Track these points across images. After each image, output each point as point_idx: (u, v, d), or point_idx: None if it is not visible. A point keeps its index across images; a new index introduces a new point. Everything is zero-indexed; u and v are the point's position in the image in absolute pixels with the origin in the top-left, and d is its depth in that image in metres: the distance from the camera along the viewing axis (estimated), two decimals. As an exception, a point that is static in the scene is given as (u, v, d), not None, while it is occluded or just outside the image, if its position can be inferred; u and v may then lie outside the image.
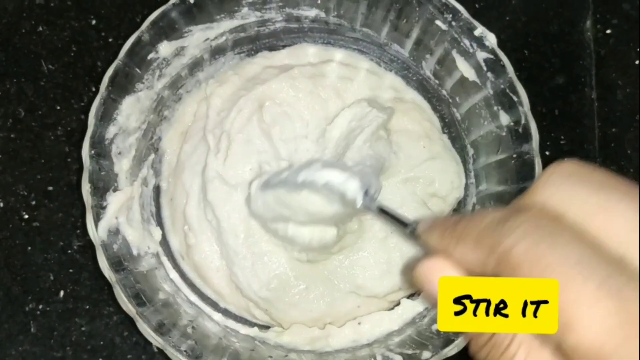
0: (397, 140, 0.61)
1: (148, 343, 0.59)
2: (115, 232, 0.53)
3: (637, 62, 0.68)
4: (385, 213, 0.46)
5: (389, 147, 0.60)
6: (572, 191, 0.30)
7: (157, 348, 0.58)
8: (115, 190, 0.54)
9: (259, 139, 0.59)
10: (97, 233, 0.51)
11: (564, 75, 0.68)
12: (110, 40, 0.66)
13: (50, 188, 0.62)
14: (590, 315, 0.26)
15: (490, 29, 0.57)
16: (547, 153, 0.66)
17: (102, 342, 0.60)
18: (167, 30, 0.56)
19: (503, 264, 0.29)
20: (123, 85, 0.55)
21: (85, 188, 0.51)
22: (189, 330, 0.53)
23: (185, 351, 0.50)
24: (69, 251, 0.61)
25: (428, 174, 0.60)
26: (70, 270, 0.61)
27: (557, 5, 0.69)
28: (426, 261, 0.33)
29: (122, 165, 0.55)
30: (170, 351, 0.50)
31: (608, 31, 0.69)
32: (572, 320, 0.27)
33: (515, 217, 0.30)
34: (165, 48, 0.57)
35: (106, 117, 0.53)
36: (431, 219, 0.37)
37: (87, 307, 0.60)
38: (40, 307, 0.60)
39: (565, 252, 0.28)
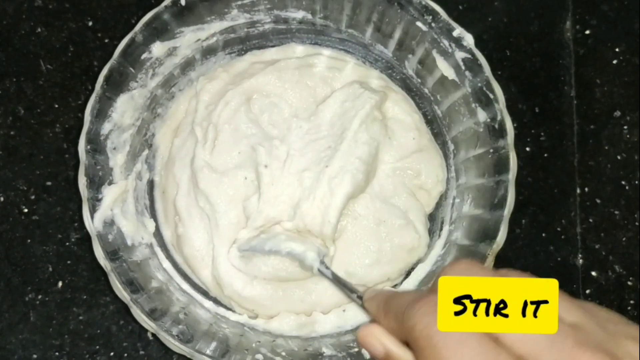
0: (391, 126, 0.63)
1: (143, 331, 0.61)
2: (110, 224, 0.55)
3: (615, 61, 0.70)
4: (337, 280, 0.53)
5: (384, 130, 0.61)
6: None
7: (152, 335, 0.60)
8: (110, 183, 0.56)
9: (247, 125, 0.61)
10: (93, 224, 0.53)
11: (544, 74, 0.69)
12: (106, 40, 0.67)
13: (49, 183, 0.64)
14: None
15: (473, 30, 0.59)
16: (527, 149, 0.67)
17: (99, 331, 0.61)
18: (159, 31, 0.58)
19: (409, 336, 0.35)
20: (118, 84, 0.57)
21: (82, 181, 0.53)
22: (181, 316, 0.55)
23: (177, 335, 0.52)
24: (67, 243, 0.63)
25: (415, 165, 0.62)
26: (68, 262, 0.62)
27: (537, 6, 0.71)
28: (365, 326, 0.40)
29: (117, 160, 0.57)
30: (162, 335, 0.52)
31: (587, 31, 0.71)
32: None
33: (420, 302, 0.35)
34: (158, 48, 0.58)
35: (101, 114, 0.55)
36: (374, 291, 0.44)
37: (85, 297, 0.62)
38: (40, 297, 0.62)
39: (449, 335, 0.32)
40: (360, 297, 0.47)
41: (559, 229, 0.67)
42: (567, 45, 0.70)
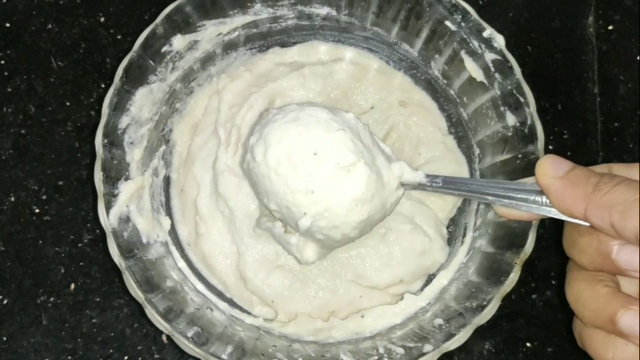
0: (398, 147, 0.62)
1: (158, 334, 0.60)
2: (125, 220, 0.54)
3: (638, 57, 0.69)
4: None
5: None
6: None
7: (167, 338, 0.59)
8: (126, 179, 0.55)
9: None
10: (108, 220, 0.52)
11: (567, 70, 0.69)
12: (118, 37, 0.66)
13: (61, 182, 0.63)
14: None
15: (494, 26, 0.57)
16: (550, 147, 0.66)
17: (112, 334, 0.60)
18: (181, 24, 0.57)
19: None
20: (137, 77, 0.55)
21: (98, 176, 0.52)
22: (196, 317, 0.54)
23: (191, 337, 0.51)
24: (80, 244, 0.62)
25: None
26: (81, 264, 0.61)
27: (559, 1, 0.70)
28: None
29: (133, 155, 0.56)
30: (177, 337, 0.50)
31: (610, 27, 0.70)
32: None
33: None
34: (178, 41, 0.57)
35: (119, 107, 0.54)
36: (558, 160, 0.43)
37: (98, 299, 0.61)
38: (52, 299, 0.61)
39: None
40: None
41: (582, 229, 0.65)
42: (589, 41, 0.69)
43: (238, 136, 0.60)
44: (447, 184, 0.52)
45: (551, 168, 0.43)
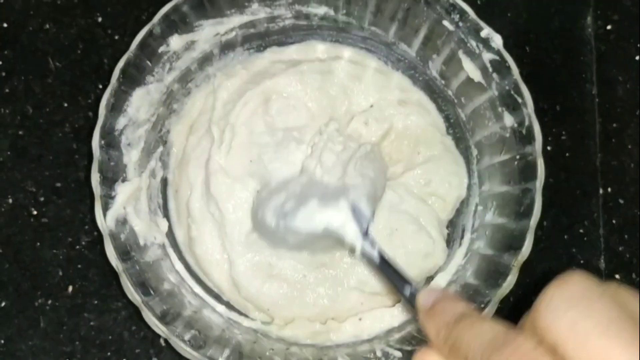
0: (397, 146, 0.62)
1: (156, 337, 0.60)
2: (122, 222, 0.54)
3: (637, 57, 0.69)
4: (385, 264, 0.46)
5: (385, 164, 0.61)
6: (573, 326, 0.28)
7: (165, 341, 0.59)
8: (124, 180, 0.55)
9: (261, 131, 0.60)
10: (105, 222, 0.51)
11: (565, 71, 0.68)
12: (116, 37, 0.66)
13: (59, 184, 0.63)
14: None
15: (492, 26, 0.57)
16: (548, 148, 0.66)
17: (110, 337, 0.60)
18: (178, 23, 0.56)
19: None
20: (134, 77, 0.55)
21: (95, 178, 0.52)
22: (193, 320, 0.53)
23: (188, 340, 0.50)
24: (78, 247, 0.61)
25: (422, 175, 0.61)
26: (79, 266, 0.61)
27: (558, 1, 0.69)
28: (420, 353, 0.34)
29: (131, 157, 0.56)
30: (174, 340, 0.50)
31: (609, 27, 0.69)
32: None
33: (510, 346, 0.29)
34: (176, 41, 0.57)
35: (117, 108, 0.54)
36: (433, 293, 0.37)
37: (96, 302, 0.60)
38: (50, 302, 0.60)
39: None
40: (413, 295, 0.39)
41: (581, 230, 0.65)
42: (588, 41, 0.69)
43: (232, 134, 0.59)
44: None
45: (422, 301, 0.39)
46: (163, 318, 0.51)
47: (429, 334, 0.35)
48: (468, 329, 0.31)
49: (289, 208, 0.52)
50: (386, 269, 0.46)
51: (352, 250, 0.50)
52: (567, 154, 0.66)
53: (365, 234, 0.48)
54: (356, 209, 0.50)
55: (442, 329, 0.33)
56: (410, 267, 0.58)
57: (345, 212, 0.50)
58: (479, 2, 0.69)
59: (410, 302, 0.39)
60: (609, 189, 0.66)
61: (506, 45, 0.56)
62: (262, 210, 0.55)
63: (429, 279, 0.60)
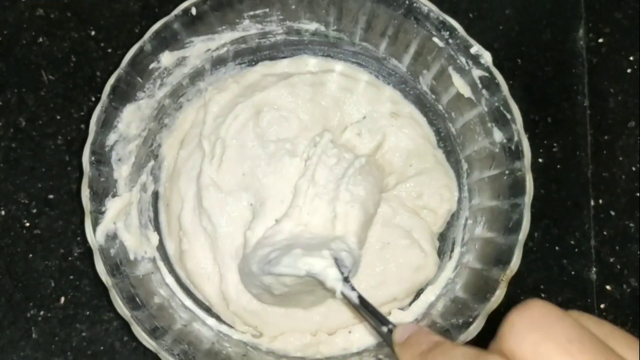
0: (388, 159, 0.62)
1: (148, 348, 0.60)
2: (113, 237, 0.54)
3: (629, 70, 0.69)
4: (364, 305, 0.47)
5: (380, 175, 0.61)
6: (536, 349, 0.29)
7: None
8: (114, 196, 0.55)
9: (252, 144, 0.60)
10: (95, 238, 0.52)
11: (557, 83, 0.68)
12: (109, 50, 0.66)
13: (51, 196, 0.63)
14: None
15: (484, 38, 0.57)
16: (540, 160, 0.66)
17: (102, 348, 0.60)
18: (169, 40, 0.56)
19: None
20: (124, 94, 0.55)
21: (85, 193, 0.52)
22: (183, 334, 0.54)
23: (178, 355, 0.51)
24: (70, 258, 0.62)
25: (414, 188, 0.61)
26: (71, 277, 0.61)
27: (550, 14, 0.70)
28: None
29: (121, 172, 0.56)
30: (163, 355, 0.50)
31: (600, 40, 0.69)
32: None
33: None
34: (166, 58, 0.57)
35: (107, 124, 0.54)
36: (408, 328, 0.38)
37: (88, 313, 0.61)
38: (42, 313, 0.60)
39: None
40: (390, 331, 0.42)
41: (572, 242, 0.65)
42: (580, 54, 0.69)
43: (222, 148, 0.59)
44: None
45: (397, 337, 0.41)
46: (153, 332, 0.51)
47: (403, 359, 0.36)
48: (441, 355, 0.33)
49: (273, 257, 0.53)
50: (364, 310, 0.48)
51: (332, 292, 0.50)
52: (558, 166, 0.66)
53: (346, 280, 0.50)
54: (339, 259, 0.51)
55: (417, 357, 0.34)
56: (402, 281, 0.59)
57: (328, 260, 0.51)
58: (470, 15, 0.69)
59: (386, 339, 0.41)
60: (600, 201, 0.66)
61: (497, 58, 0.56)
62: (247, 261, 0.55)
63: (419, 291, 0.60)
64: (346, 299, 0.49)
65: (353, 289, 0.49)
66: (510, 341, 0.30)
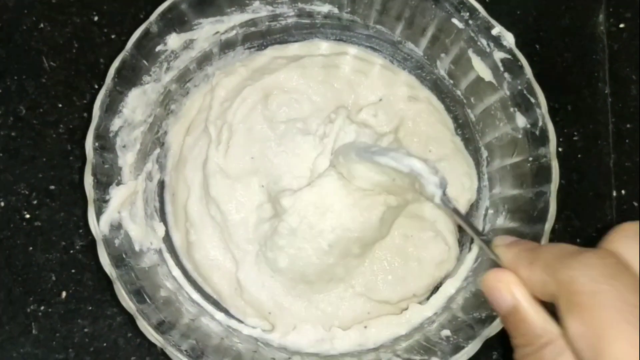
0: (406, 144, 0.60)
1: (153, 344, 0.57)
2: (117, 227, 0.52)
3: (651, 56, 0.67)
4: (459, 215, 0.47)
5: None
6: None
7: (162, 349, 0.57)
8: (118, 184, 0.53)
9: (261, 126, 0.58)
10: (98, 227, 0.50)
11: (577, 70, 0.67)
12: (112, 36, 0.65)
13: (52, 187, 0.61)
14: (619, 349, 0.30)
15: (501, 23, 0.56)
16: (560, 149, 0.64)
17: (105, 344, 0.59)
18: (176, 22, 0.55)
19: (563, 289, 0.33)
20: (129, 77, 0.54)
21: (88, 181, 0.50)
22: (190, 329, 0.52)
23: (185, 350, 0.49)
24: (71, 251, 0.60)
25: None
26: (73, 271, 0.60)
27: (569, -2, 0.68)
28: (495, 271, 0.38)
29: (126, 159, 0.54)
30: (170, 350, 0.49)
31: (621, 25, 0.68)
32: (603, 352, 0.31)
33: (586, 253, 0.34)
34: (174, 40, 0.56)
35: (111, 109, 0.53)
36: (508, 238, 0.41)
37: (90, 308, 0.59)
38: (42, 308, 0.59)
39: (617, 295, 0.31)
40: (489, 242, 0.42)
41: (594, 234, 0.64)
42: (600, 39, 0.68)
43: (229, 133, 0.58)
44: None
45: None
46: (159, 327, 0.49)
47: (505, 258, 0.39)
48: (546, 248, 0.37)
49: (376, 149, 0.51)
50: (460, 217, 0.47)
51: (429, 196, 0.48)
52: (579, 155, 0.65)
53: (444, 193, 0.48)
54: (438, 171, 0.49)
55: (522, 252, 0.38)
56: (423, 277, 0.57)
57: (431, 167, 0.49)
58: (487, -1, 0.67)
59: (486, 245, 0.42)
60: (623, 191, 0.65)
61: (516, 44, 0.55)
62: (344, 149, 0.54)
63: (438, 285, 0.58)
64: (444, 205, 0.47)
65: (450, 200, 0.48)
66: (619, 245, 0.34)
